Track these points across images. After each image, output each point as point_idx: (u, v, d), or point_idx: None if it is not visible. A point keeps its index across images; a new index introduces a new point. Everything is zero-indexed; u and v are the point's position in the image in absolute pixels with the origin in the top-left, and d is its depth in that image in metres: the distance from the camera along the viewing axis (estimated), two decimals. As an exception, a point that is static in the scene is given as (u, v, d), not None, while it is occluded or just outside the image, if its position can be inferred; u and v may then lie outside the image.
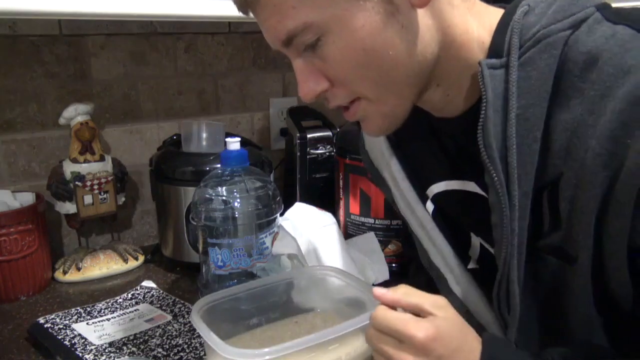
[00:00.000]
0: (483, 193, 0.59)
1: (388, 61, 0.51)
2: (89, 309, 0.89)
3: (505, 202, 0.51)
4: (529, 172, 0.50)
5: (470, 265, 0.67)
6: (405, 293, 0.53)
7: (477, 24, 0.55)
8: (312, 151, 1.17)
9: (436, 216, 0.68)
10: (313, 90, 0.55)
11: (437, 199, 0.67)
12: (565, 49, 0.49)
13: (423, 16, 0.51)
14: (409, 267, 0.88)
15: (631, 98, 0.44)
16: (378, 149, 0.72)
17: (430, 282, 0.70)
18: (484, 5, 0.57)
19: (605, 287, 0.50)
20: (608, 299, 0.51)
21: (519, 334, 0.56)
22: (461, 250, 0.67)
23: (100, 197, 1.03)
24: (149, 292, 0.95)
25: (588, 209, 0.47)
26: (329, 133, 1.18)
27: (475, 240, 0.66)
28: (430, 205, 0.68)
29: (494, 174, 0.50)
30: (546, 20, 0.50)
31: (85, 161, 1.01)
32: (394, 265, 1.00)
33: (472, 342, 0.51)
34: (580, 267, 0.50)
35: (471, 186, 0.61)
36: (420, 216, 0.68)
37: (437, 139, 0.64)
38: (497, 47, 0.52)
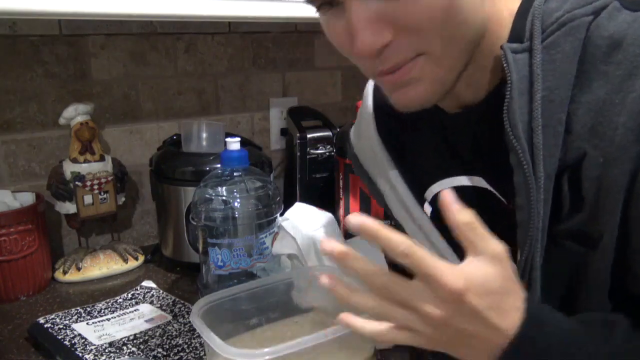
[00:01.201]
0: (492, 188, 0.59)
1: (462, 14, 0.49)
2: (89, 309, 0.89)
3: (532, 182, 0.50)
4: (554, 155, 0.50)
5: None
6: (468, 224, 0.46)
7: (504, 7, 0.54)
8: (312, 151, 1.17)
9: (434, 217, 0.67)
10: (374, 42, 0.46)
11: (438, 198, 0.67)
12: (588, 34, 0.50)
13: None
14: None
15: None
16: (370, 151, 0.71)
17: None
18: None
19: (627, 272, 0.50)
20: (625, 287, 0.51)
21: None
22: (462, 251, 0.67)
23: (100, 197, 1.03)
24: (149, 292, 0.95)
25: (616, 186, 0.47)
26: (329, 133, 1.18)
27: None
28: (428, 207, 0.68)
29: (521, 154, 0.50)
30: (569, 5, 0.51)
31: (85, 161, 1.01)
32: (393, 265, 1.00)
33: (516, 302, 0.47)
34: (601, 251, 0.50)
35: (477, 181, 0.60)
36: (417, 219, 0.68)
37: (441, 135, 0.64)
38: (517, 32, 0.52)
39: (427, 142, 0.66)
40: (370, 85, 0.72)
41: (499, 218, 0.54)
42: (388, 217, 0.72)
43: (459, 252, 0.66)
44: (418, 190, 0.68)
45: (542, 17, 0.51)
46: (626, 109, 0.46)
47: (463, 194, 0.63)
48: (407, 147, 0.69)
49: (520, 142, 0.50)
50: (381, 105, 0.70)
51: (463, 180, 0.63)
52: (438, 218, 0.67)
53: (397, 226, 0.71)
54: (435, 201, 0.67)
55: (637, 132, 0.46)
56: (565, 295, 0.55)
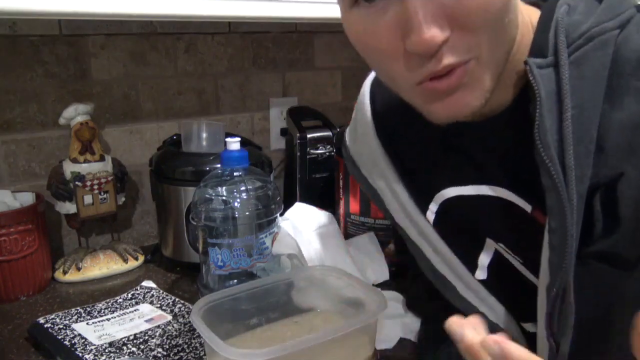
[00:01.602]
0: (513, 196, 0.57)
1: (510, 14, 0.47)
2: (89, 309, 0.89)
3: (567, 204, 0.48)
4: (585, 174, 0.48)
5: (478, 276, 0.65)
6: None
7: (528, 19, 0.53)
8: (312, 151, 1.17)
9: (438, 224, 0.66)
10: (436, 36, 0.44)
11: (447, 204, 0.64)
12: (615, 48, 0.48)
13: None
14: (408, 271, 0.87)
15: None
16: (369, 157, 0.69)
17: (429, 291, 0.68)
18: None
19: None
20: None
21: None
22: (468, 258, 0.65)
23: (100, 197, 1.03)
24: (149, 292, 0.95)
25: None
26: (329, 133, 1.18)
27: (490, 247, 0.63)
28: (430, 215, 0.66)
29: (555, 175, 0.48)
30: (596, 18, 0.49)
31: (85, 161, 1.01)
32: (393, 266, 1.00)
33: None
34: None
35: (500, 191, 0.58)
36: (420, 225, 0.66)
37: (449, 143, 0.62)
38: (540, 47, 0.51)
39: (433, 149, 0.64)
40: (366, 89, 0.70)
41: (519, 222, 0.53)
42: (388, 218, 0.72)
43: (464, 259, 0.64)
44: (421, 197, 0.66)
45: (567, 30, 0.49)
46: None
47: (474, 202, 0.61)
48: (409, 154, 0.67)
49: (554, 163, 0.48)
50: (380, 110, 0.68)
51: (483, 189, 0.61)
52: (441, 225, 0.66)
53: (397, 229, 0.71)
54: (445, 205, 0.65)
55: None
56: (600, 318, 0.52)
